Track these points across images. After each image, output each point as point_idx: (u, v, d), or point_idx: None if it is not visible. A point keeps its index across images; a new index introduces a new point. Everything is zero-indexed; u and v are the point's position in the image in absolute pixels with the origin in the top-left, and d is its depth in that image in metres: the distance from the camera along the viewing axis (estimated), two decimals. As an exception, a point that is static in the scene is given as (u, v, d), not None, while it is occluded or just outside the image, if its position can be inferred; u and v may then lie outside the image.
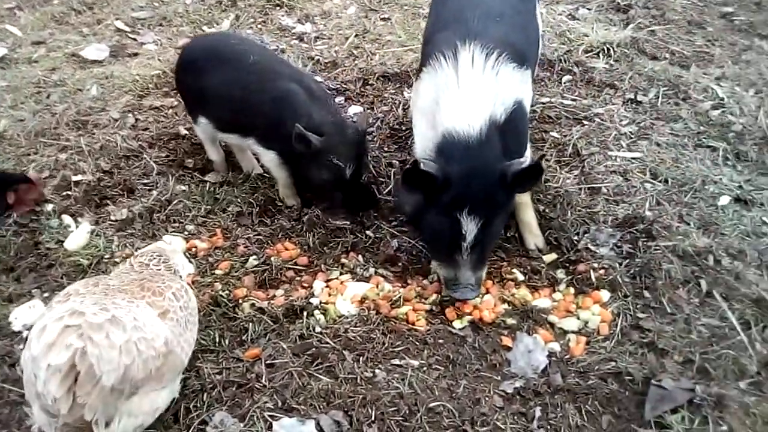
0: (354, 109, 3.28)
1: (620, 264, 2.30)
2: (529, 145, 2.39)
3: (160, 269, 1.85)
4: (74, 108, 3.08)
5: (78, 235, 2.33)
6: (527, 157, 2.17)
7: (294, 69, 2.58)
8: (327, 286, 2.24)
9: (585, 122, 3.10)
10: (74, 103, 3.12)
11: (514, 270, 2.35)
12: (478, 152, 2.03)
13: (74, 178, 2.61)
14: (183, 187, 2.62)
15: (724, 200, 2.59)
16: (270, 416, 1.77)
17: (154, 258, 1.89)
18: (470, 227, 2.02)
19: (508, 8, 2.39)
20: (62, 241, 2.33)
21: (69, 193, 2.54)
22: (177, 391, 1.76)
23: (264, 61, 2.51)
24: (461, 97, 2.10)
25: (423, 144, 2.24)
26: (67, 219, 2.42)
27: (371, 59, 3.68)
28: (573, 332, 2.12)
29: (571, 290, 2.26)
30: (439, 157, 2.07)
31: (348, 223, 2.49)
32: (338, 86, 3.46)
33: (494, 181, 2.01)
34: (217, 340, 2.01)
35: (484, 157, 2.03)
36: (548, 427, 1.82)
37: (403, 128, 3.08)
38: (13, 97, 3.19)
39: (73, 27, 3.93)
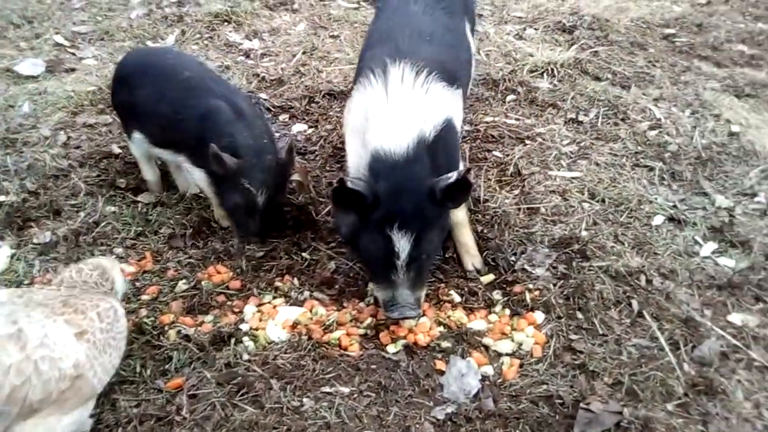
0: (298, 127, 3.25)
1: (555, 285, 2.30)
2: (462, 164, 2.39)
3: (93, 286, 1.77)
4: (4, 125, 2.96)
5: (-4, 260, 2.22)
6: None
7: (226, 87, 2.53)
8: (258, 311, 2.18)
9: (527, 141, 3.13)
10: (4, 120, 3.01)
11: (452, 291, 2.33)
12: (405, 169, 2.02)
13: (-3, 199, 2.50)
14: (113, 208, 2.54)
15: (659, 220, 2.63)
16: (188, 451, 1.70)
17: (93, 272, 1.81)
18: (402, 244, 1.99)
19: (438, 28, 2.40)
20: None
21: (-11, 215, 2.43)
22: (86, 423, 1.66)
23: (196, 77, 2.46)
24: (390, 115, 2.09)
25: (355, 162, 2.21)
26: (-17, 243, 2.31)
27: (318, 77, 3.67)
28: (507, 354, 2.10)
29: (507, 312, 2.25)
30: (370, 176, 2.05)
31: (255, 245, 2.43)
32: (283, 104, 3.43)
33: (423, 196, 2.00)
34: (138, 370, 1.93)
35: (412, 173, 2.02)
36: (478, 454, 1.80)
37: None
38: (-61, 114, 3.05)
39: (10, 41, 3.80)
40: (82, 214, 2.48)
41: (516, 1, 4.77)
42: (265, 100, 3.42)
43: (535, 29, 4.33)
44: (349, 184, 1.93)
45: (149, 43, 3.88)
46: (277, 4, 4.51)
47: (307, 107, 3.41)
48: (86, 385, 1.57)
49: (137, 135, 2.55)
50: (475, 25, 2.90)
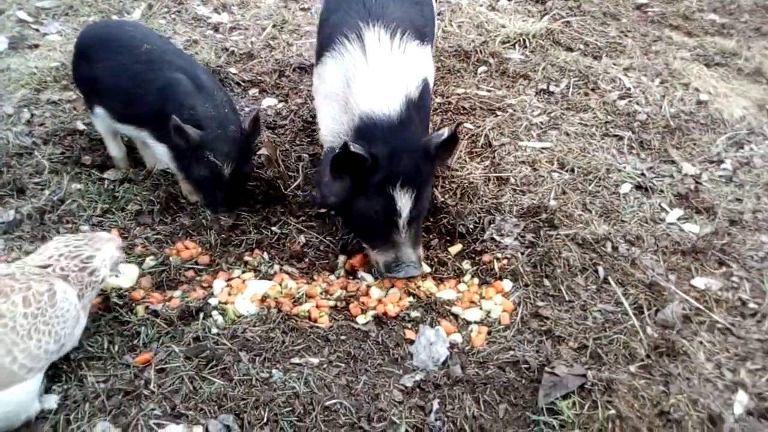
0: (268, 102, 3.21)
1: (523, 253, 2.32)
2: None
3: (49, 264, 1.74)
4: (-37, 104, 2.89)
5: (-44, 240, 2.18)
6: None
7: (186, 59, 2.48)
8: (228, 286, 2.18)
9: (498, 113, 3.13)
10: (-36, 99, 2.93)
11: (422, 262, 2.34)
12: (400, 130, 2.07)
13: (-43, 179, 2.44)
14: (78, 186, 2.50)
15: (626, 188, 2.66)
16: (156, 424, 1.70)
17: (67, 249, 1.80)
18: (404, 202, 2.05)
19: None
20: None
21: (-50, 195, 2.38)
22: (16, 402, 1.61)
23: (155, 50, 2.41)
24: (375, 78, 2.11)
25: (333, 129, 2.22)
26: (-58, 223, 2.27)
27: (288, 50, 3.62)
28: (475, 323, 2.13)
29: (476, 281, 2.28)
30: (359, 140, 2.05)
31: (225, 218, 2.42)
32: (253, 78, 3.38)
33: (419, 155, 2.06)
34: (106, 346, 1.92)
35: (406, 134, 2.08)
36: (445, 419, 1.82)
37: (317, 121, 3.03)
38: None
39: (-31, 17, 3.68)
40: (46, 192, 2.44)
41: (490, -28, 4.72)
42: (234, 74, 3.37)
43: (508, 0, 4.30)
44: (352, 148, 1.94)
45: (114, 18, 3.78)
46: (247, -23, 4.41)
47: (278, 81, 3.37)
48: (1, 371, 1.55)
49: (99, 110, 2.50)
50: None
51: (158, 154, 2.46)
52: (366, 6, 2.27)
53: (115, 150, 2.64)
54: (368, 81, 2.12)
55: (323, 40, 2.40)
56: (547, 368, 1.91)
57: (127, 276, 2.14)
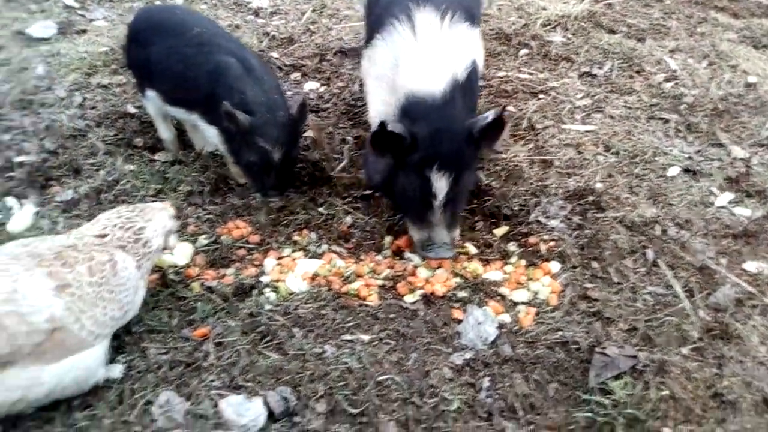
0: (310, 85, 3.24)
1: (570, 235, 2.32)
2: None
3: (105, 234, 1.80)
4: (19, 87, 2.97)
5: (22, 217, 2.27)
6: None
7: (236, 43, 2.51)
8: (278, 264, 2.23)
9: (541, 96, 3.11)
10: (19, 82, 3.02)
11: (467, 243, 2.36)
12: (443, 111, 2.06)
13: (17, 159, 2.53)
14: (131, 167, 2.57)
15: (674, 171, 2.63)
16: (217, 394, 1.76)
17: (120, 220, 1.85)
18: (441, 185, 2.04)
19: None
20: (4, 223, 2.26)
21: (12, 174, 2.46)
22: (85, 368, 1.67)
23: (205, 33, 2.45)
24: (423, 58, 2.11)
25: (380, 110, 2.24)
26: (10, 201, 2.35)
27: (328, 34, 3.64)
28: (523, 303, 2.14)
29: (522, 262, 2.28)
30: (404, 119, 2.07)
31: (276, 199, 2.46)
32: (294, 62, 3.41)
33: (461, 137, 2.04)
34: (165, 320, 1.98)
35: (449, 115, 2.06)
36: (496, 396, 1.85)
37: (359, 104, 3.06)
38: (-46, 77, 3.07)
39: (20, 4, 3.77)
40: (101, 172, 2.51)
41: (528, -46, 4.66)
42: (276, 58, 3.40)
43: (548, -18, 4.25)
44: (389, 127, 1.95)
45: (158, 3, 3.85)
46: (285, -38, 4.43)
47: (319, 65, 3.39)
48: (70, 337, 1.60)
49: (150, 93, 2.55)
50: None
51: (208, 137, 2.51)
52: None
53: (166, 132, 2.70)
54: (416, 60, 2.12)
55: (373, 22, 2.41)
56: (597, 349, 1.92)
57: (182, 253, 2.19)
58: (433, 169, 2.02)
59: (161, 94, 2.52)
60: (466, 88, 2.17)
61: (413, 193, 2.09)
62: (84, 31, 3.49)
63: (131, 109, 2.87)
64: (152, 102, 2.58)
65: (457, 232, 2.23)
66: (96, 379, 1.73)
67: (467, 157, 2.09)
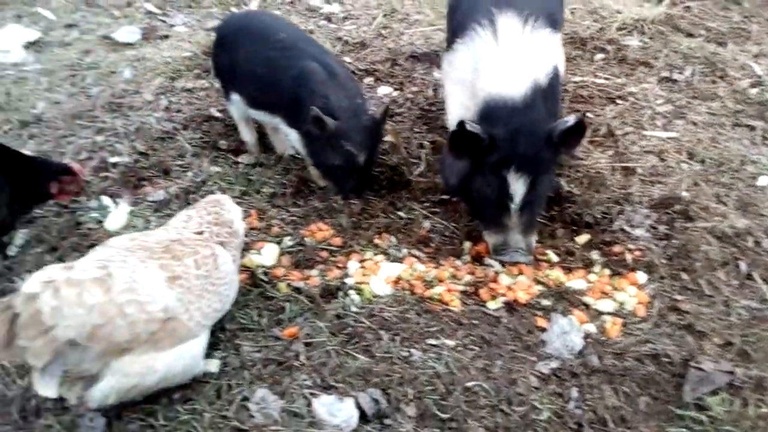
0: (383, 90, 3.27)
1: (657, 245, 2.28)
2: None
3: (201, 231, 1.88)
4: (109, 90, 3.12)
5: (117, 216, 2.38)
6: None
7: (319, 48, 2.56)
8: (361, 267, 2.26)
9: (619, 101, 3.05)
10: (109, 86, 3.16)
11: (548, 251, 2.34)
12: (523, 114, 2.05)
13: (111, 160, 2.65)
14: (217, 169, 2.65)
15: (764, 180, 2.54)
16: (310, 393, 1.80)
17: (209, 214, 1.93)
18: (518, 187, 2.04)
19: None
20: (102, 222, 2.38)
21: (107, 174, 2.59)
22: (191, 356, 1.74)
23: (290, 38, 2.51)
24: (504, 62, 2.12)
25: (459, 113, 2.23)
26: (106, 200, 2.47)
27: (400, 39, 3.66)
28: (609, 314, 2.11)
29: (607, 271, 2.25)
30: (483, 122, 2.08)
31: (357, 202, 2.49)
32: (367, 67, 3.45)
33: (540, 140, 2.03)
34: (256, 318, 2.04)
35: (529, 118, 2.05)
36: (585, 407, 1.83)
37: (434, 109, 3.07)
38: (49, 80, 3.24)
39: (103, 9, 3.96)
40: (189, 173, 2.61)
41: (598, -45, 4.57)
42: (349, 63, 3.45)
43: (621, -16, 4.16)
44: (468, 127, 1.96)
45: (234, 10, 3.96)
46: (354, -33, 4.49)
47: (391, 70, 3.42)
48: (181, 327, 1.68)
49: (235, 96, 2.63)
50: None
51: (289, 140, 2.57)
52: None
53: (248, 135, 2.78)
54: (497, 64, 2.13)
55: (454, 27, 2.42)
56: (692, 363, 1.87)
57: (269, 254, 2.26)
58: (511, 170, 2.02)
59: (245, 97, 2.60)
60: (548, 94, 2.16)
61: (490, 194, 2.09)
62: (166, 37, 3.63)
63: (215, 113, 2.96)
64: (236, 105, 2.66)
65: (533, 238, 2.21)
66: (197, 370, 1.80)
67: (546, 160, 2.08)
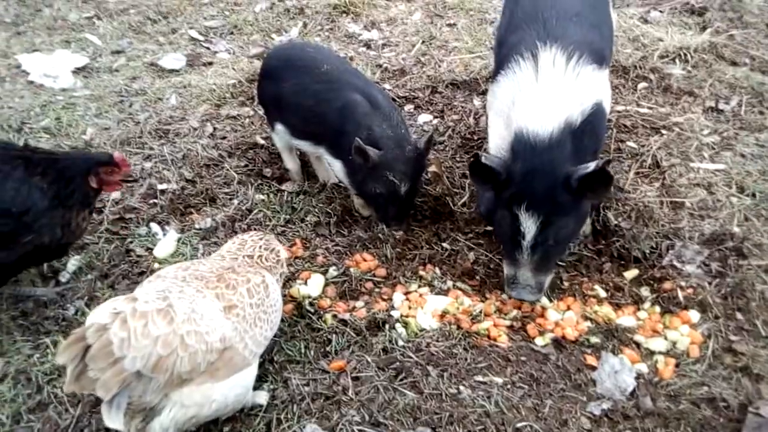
0: (424, 118, 3.28)
1: (709, 283, 2.22)
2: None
3: (252, 257, 1.90)
4: (156, 117, 3.19)
5: (166, 243, 2.41)
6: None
7: (363, 80, 2.59)
8: (407, 299, 2.26)
9: (663, 131, 3.01)
10: (155, 112, 3.23)
11: (596, 286, 2.31)
12: (544, 153, 2.03)
13: (160, 187, 2.70)
14: (262, 197, 2.68)
15: (819, 217, 2.47)
16: (359, 430, 1.79)
17: (257, 244, 1.95)
18: (529, 225, 2.02)
19: (584, 7, 2.37)
20: (151, 249, 2.41)
21: (155, 201, 2.63)
22: (244, 386, 1.74)
23: (335, 70, 2.55)
24: (538, 98, 2.11)
25: (497, 144, 2.26)
26: (154, 227, 2.51)
27: (439, 66, 3.68)
28: (661, 353, 2.07)
29: (657, 309, 2.21)
30: (510, 155, 2.09)
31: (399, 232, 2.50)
32: (407, 94, 3.47)
33: (557, 182, 2.00)
34: (303, 350, 2.04)
35: (550, 157, 2.03)
36: (639, 452, 1.79)
37: (475, 138, 3.07)
38: (98, 106, 3.32)
39: (149, 36, 4.06)
40: (235, 201, 2.64)
41: (637, -18, 4.56)
42: (389, 90, 3.48)
43: (661, 11, 4.14)
44: (483, 159, 1.98)
45: (274, 37, 4.03)
46: (393, -6, 4.55)
47: (431, 97, 3.44)
48: (237, 356, 1.69)
49: (280, 127, 2.67)
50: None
51: (334, 170, 2.59)
52: (545, 27, 2.26)
53: (291, 163, 2.81)
54: (531, 100, 2.12)
55: (500, 59, 2.42)
56: (750, 408, 1.82)
57: (315, 284, 2.26)
58: (522, 207, 2.01)
59: (290, 128, 2.63)
60: (583, 132, 2.10)
61: (505, 228, 2.10)
62: (210, 63, 3.70)
63: (260, 140, 3.01)
64: (281, 135, 2.70)
65: (546, 278, 2.16)
66: (247, 400, 1.81)
67: (563, 203, 2.01)
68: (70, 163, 2.09)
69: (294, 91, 2.57)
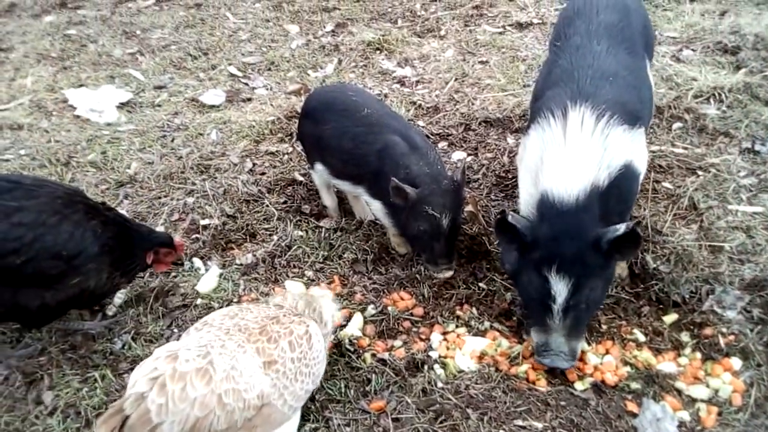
0: (458, 155, 3.33)
1: (751, 330, 2.20)
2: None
3: (297, 313, 1.90)
4: (197, 152, 3.29)
5: (209, 279, 2.47)
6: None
7: (401, 122, 2.65)
8: (444, 339, 2.27)
9: (700, 172, 3.01)
10: (196, 147, 3.33)
11: (635, 330, 2.30)
12: (571, 217, 2.00)
13: (202, 222, 2.77)
14: (301, 233, 2.74)
15: None
16: (400, 474, 1.80)
17: (298, 301, 1.96)
18: (560, 288, 1.97)
19: (621, 68, 2.35)
20: (195, 284, 2.47)
21: (198, 236, 2.70)
22: None
23: (374, 114, 2.61)
24: (564, 159, 2.08)
25: (526, 200, 2.23)
26: (197, 262, 2.57)
27: (472, 104, 3.74)
28: (703, 401, 2.05)
29: (698, 355, 2.19)
30: (537, 215, 2.08)
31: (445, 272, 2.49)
32: (441, 131, 3.53)
33: (586, 244, 1.97)
34: (343, 390, 2.07)
35: (576, 221, 2.00)
36: (684, 504, 1.76)
37: (509, 176, 3.10)
38: (141, 140, 3.44)
39: (190, 72, 4.20)
40: (275, 237, 2.70)
41: (668, 20, 4.59)
42: (423, 127, 3.54)
43: (693, 50, 4.15)
44: (509, 219, 1.98)
45: (311, 73, 4.14)
46: (425, 31, 4.65)
47: (464, 135, 3.49)
48: (275, 412, 1.69)
49: (319, 166, 2.73)
50: (653, 58, 2.83)
51: (373, 210, 2.64)
52: (579, 85, 2.26)
53: (329, 200, 2.87)
54: (557, 159, 2.10)
55: (534, 112, 2.42)
56: (799, 462, 1.78)
57: (354, 323, 2.30)
58: (552, 270, 1.96)
59: (329, 168, 2.69)
60: (610, 194, 2.08)
61: (533, 292, 2.04)
62: (249, 99, 3.82)
63: (298, 177, 3.08)
64: (320, 174, 2.76)
65: (579, 343, 2.09)
66: (290, 449, 1.82)
67: (593, 265, 1.98)
68: (136, 235, 2.22)
69: (335, 133, 2.63)
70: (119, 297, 2.41)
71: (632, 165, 2.20)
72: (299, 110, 2.99)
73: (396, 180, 2.34)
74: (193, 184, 3.04)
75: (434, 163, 2.51)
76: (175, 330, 2.30)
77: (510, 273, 2.24)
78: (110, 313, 2.35)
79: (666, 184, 2.96)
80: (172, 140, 3.43)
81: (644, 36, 2.63)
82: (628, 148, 2.18)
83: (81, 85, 4.03)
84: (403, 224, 2.49)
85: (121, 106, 3.84)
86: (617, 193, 2.12)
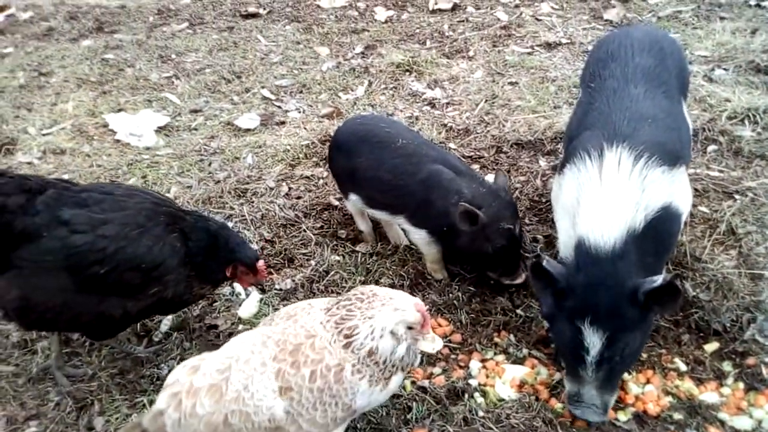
0: (490, 178, 3.34)
1: (796, 360, 2.18)
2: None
3: (339, 332, 1.76)
4: (234, 176, 3.36)
5: (249, 304, 2.53)
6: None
7: (438, 150, 2.68)
8: (483, 367, 2.29)
9: (737, 196, 2.99)
10: (233, 171, 3.41)
11: (676, 359, 2.29)
12: (608, 265, 1.95)
13: (242, 247, 2.83)
14: (338, 258, 2.78)
15: None
16: (445, 504, 1.82)
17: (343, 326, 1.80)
18: (593, 340, 1.91)
19: (659, 111, 2.31)
20: (235, 310, 2.53)
21: (238, 261, 2.76)
22: None
23: (410, 144, 2.64)
24: (601, 202, 2.05)
25: (565, 241, 2.20)
26: (238, 287, 2.63)
27: (503, 126, 3.76)
28: (747, 433, 2.03)
29: (741, 385, 2.17)
30: (574, 260, 2.03)
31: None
32: (472, 153, 3.56)
33: (623, 297, 1.91)
34: (384, 417, 2.09)
35: (613, 270, 1.94)
36: None
37: (543, 200, 3.11)
38: (179, 164, 3.53)
39: (224, 95, 4.29)
40: (312, 262, 2.75)
41: (698, 38, 4.57)
42: (454, 150, 3.57)
43: (725, 69, 4.13)
44: (544, 264, 1.94)
45: (341, 95, 4.21)
46: (453, 52, 4.69)
47: (496, 157, 3.51)
48: None
49: (354, 197, 2.76)
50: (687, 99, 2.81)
51: (414, 239, 2.65)
52: (616, 127, 2.23)
53: (363, 225, 2.91)
54: (593, 204, 2.06)
55: (569, 151, 2.39)
56: None
57: (394, 350, 2.32)
58: (586, 321, 1.91)
59: (365, 198, 2.73)
60: (648, 238, 2.03)
61: (567, 341, 1.99)
62: (282, 123, 3.89)
63: (333, 201, 3.13)
64: (353, 203, 2.80)
65: (612, 397, 2.03)
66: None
67: (629, 317, 1.91)
68: (223, 246, 2.23)
69: (371, 165, 2.64)
70: (165, 323, 2.47)
71: (672, 205, 2.14)
72: (332, 134, 3.03)
73: (466, 205, 2.35)
74: (232, 208, 3.11)
75: (482, 181, 2.54)
76: (219, 355, 2.34)
77: (545, 317, 2.21)
78: (156, 339, 2.41)
79: (702, 209, 2.95)
80: (210, 164, 3.50)
81: (680, 79, 2.60)
82: (668, 188, 2.14)
83: (120, 110, 4.15)
84: (471, 248, 2.48)
85: (159, 130, 3.94)
86: (654, 236, 2.06)
